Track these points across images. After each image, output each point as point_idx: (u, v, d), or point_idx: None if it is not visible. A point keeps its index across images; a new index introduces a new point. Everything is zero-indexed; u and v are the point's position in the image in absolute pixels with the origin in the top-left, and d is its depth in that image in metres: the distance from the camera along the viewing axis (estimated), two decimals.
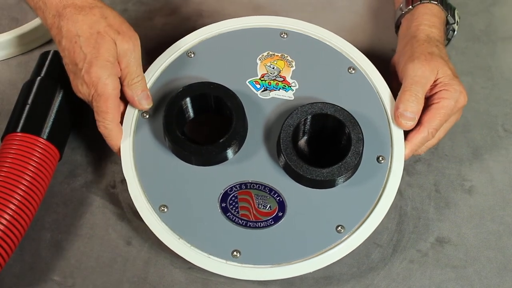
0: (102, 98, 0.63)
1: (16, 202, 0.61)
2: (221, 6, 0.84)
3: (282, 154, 0.63)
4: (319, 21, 0.72)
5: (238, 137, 0.64)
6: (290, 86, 0.68)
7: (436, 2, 0.70)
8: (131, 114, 0.67)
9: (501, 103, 0.76)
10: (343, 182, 0.63)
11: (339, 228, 0.62)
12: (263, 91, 0.68)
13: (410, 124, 0.65)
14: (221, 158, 0.64)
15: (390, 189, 0.64)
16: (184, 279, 0.65)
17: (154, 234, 0.63)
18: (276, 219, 0.63)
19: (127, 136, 0.66)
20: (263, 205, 0.63)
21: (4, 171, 0.62)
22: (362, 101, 0.67)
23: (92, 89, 0.63)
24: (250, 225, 0.62)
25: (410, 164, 0.71)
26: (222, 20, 0.72)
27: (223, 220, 0.63)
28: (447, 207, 0.69)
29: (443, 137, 0.68)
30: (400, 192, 0.69)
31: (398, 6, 0.74)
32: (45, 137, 0.65)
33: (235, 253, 0.61)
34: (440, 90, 0.65)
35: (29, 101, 0.67)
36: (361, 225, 0.62)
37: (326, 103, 0.65)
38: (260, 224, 0.62)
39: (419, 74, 0.65)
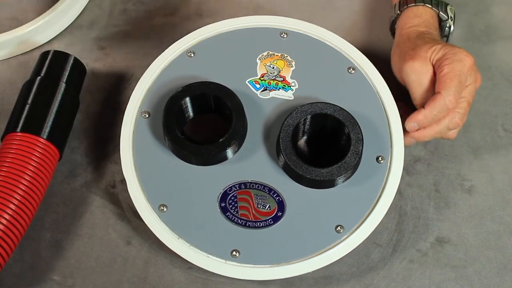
0: None
1: (16, 202, 0.61)
2: (221, 6, 0.84)
3: (281, 154, 0.63)
4: (319, 21, 0.72)
5: (238, 137, 0.64)
6: (290, 86, 0.68)
7: (422, 4, 0.71)
8: (131, 114, 0.67)
9: (501, 103, 0.76)
10: (343, 182, 0.63)
11: (339, 228, 0.62)
12: (262, 91, 0.68)
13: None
14: (221, 158, 0.64)
15: (390, 189, 0.64)
16: (184, 279, 0.65)
17: (154, 234, 0.63)
18: (276, 219, 0.63)
19: (127, 136, 0.66)
20: (263, 205, 0.63)
21: (4, 171, 0.62)
22: (361, 101, 0.67)
23: None
24: (249, 225, 0.62)
25: (410, 164, 0.71)
26: (222, 20, 0.72)
27: (222, 220, 0.63)
28: (447, 207, 0.69)
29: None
30: (400, 192, 0.69)
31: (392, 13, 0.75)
32: (45, 137, 0.65)
33: (234, 252, 0.61)
34: (441, 63, 0.65)
35: (29, 101, 0.67)
36: (360, 225, 0.62)
37: (325, 103, 0.65)
38: (260, 224, 0.62)
39: (411, 78, 0.66)
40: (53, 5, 0.80)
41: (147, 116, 0.67)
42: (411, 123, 0.65)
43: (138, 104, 0.68)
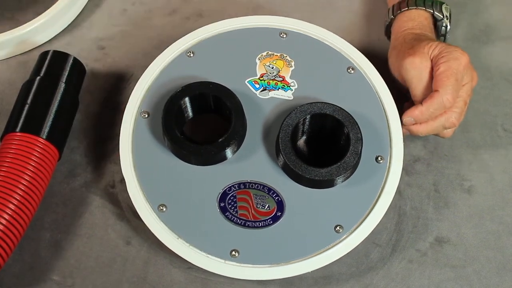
0: None
1: (15, 202, 0.61)
2: (220, 6, 0.84)
3: (281, 154, 0.63)
4: (318, 21, 0.72)
5: (237, 137, 0.64)
6: (289, 86, 0.68)
7: (415, 7, 0.71)
8: (131, 114, 0.67)
9: (500, 103, 0.76)
10: (342, 182, 0.63)
11: (338, 228, 0.62)
12: (262, 90, 0.68)
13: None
14: (220, 158, 0.64)
15: (389, 189, 0.64)
16: (184, 278, 0.65)
17: (154, 234, 0.63)
18: (275, 218, 0.63)
19: (126, 136, 0.66)
20: (262, 205, 0.63)
21: (4, 170, 0.62)
22: (361, 101, 0.67)
23: None
24: (248, 224, 0.62)
25: (409, 164, 0.71)
26: (222, 20, 0.72)
27: (221, 220, 0.63)
28: (446, 207, 0.69)
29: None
30: (399, 191, 0.69)
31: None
32: (44, 137, 0.65)
33: (233, 252, 0.61)
34: (437, 61, 0.65)
35: (29, 101, 0.67)
36: (359, 225, 0.62)
37: (325, 103, 0.65)
38: (259, 224, 0.62)
39: (411, 74, 0.66)
40: (53, 5, 0.80)
41: (146, 116, 0.67)
42: (407, 117, 0.66)
43: (137, 104, 0.68)
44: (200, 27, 0.72)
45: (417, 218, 0.68)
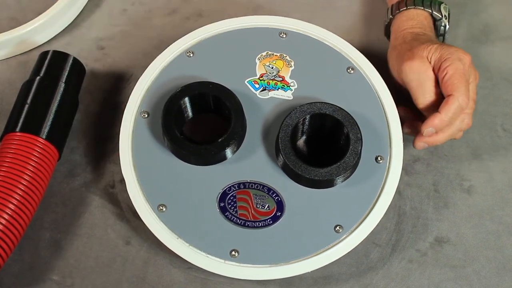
0: None
1: (15, 202, 0.61)
2: (220, 6, 0.84)
3: (280, 154, 0.63)
4: (318, 21, 0.72)
5: (237, 137, 0.64)
6: (289, 86, 0.68)
7: (413, 6, 0.71)
8: (130, 114, 0.67)
9: (500, 103, 0.76)
10: (342, 182, 0.63)
11: (338, 228, 0.62)
12: (262, 90, 0.68)
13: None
14: (220, 158, 0.64)
15: (389, 189, 0.64)
16: (183, 278, 0.65)
17: (153, 234, 0.63)
18: (275, 218, 0.63)
19: (126, 136, 0.66)
20: (262, 205, 0.63)
21: (3, 170, 0.62)
22: (361, 101, 0.67)
23: None
24: (248, 224, 0.62)
25: (409, 164, 0.71)
26: (222, 20, 0.72)
27: (221, 220, 0.63)
28: (446, 207, 0.69)
29: None
30: (399, 192, 0.69)
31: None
32: (44, 136, 0.65)
33: (233, 252, 0.61)
34: (441, 65, 0.65)
35: (28, 100, 0.67)
36: (359, 225, 0.62)
37: (324, 103, 0.65)
38: (259, 224, 0.62)
39: (410, 78, 0.66)
40: (53, 5, 0.80)
41: (146, 116, 0.67)
42: (428, 128, 0.64)
43: (137, 104, 0.68)
44: (200, 27, 0.72)
45: (417, 218, 0.68)
